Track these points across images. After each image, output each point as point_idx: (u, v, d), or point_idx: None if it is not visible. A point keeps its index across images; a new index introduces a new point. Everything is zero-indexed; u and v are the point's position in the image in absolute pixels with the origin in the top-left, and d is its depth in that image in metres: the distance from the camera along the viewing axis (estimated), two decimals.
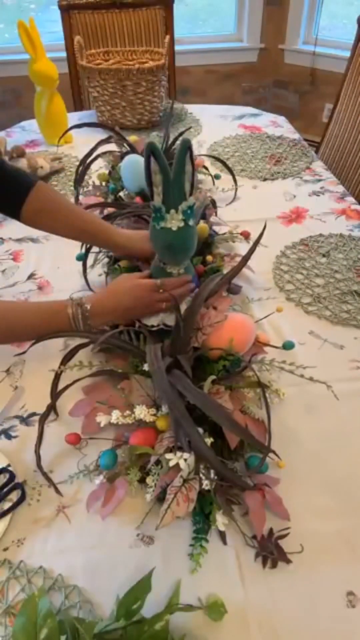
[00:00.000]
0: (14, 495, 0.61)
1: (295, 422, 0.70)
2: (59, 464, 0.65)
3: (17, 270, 1.01)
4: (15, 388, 0.75)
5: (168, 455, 0.57)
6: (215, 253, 0.94)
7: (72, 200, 1.12)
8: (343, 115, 1.57)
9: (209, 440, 0.59)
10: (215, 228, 1.02)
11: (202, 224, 0.93)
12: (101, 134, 1.22)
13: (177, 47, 1.99)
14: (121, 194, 1.09)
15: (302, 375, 0.68)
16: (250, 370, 0.66)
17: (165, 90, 1.61)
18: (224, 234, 1.02)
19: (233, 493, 0.59)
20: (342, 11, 2.88)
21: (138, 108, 1.53)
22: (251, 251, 0.75)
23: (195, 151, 1.36)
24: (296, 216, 1.16)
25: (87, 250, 0.91)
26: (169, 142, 1.15)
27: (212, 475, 0.57)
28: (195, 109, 1.73)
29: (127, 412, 0.62)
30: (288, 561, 0.55)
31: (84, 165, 1.09)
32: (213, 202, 1.09)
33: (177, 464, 0.56)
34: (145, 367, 0.63)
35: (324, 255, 1.03)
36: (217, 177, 1.25)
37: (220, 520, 0.56)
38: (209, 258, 0.90)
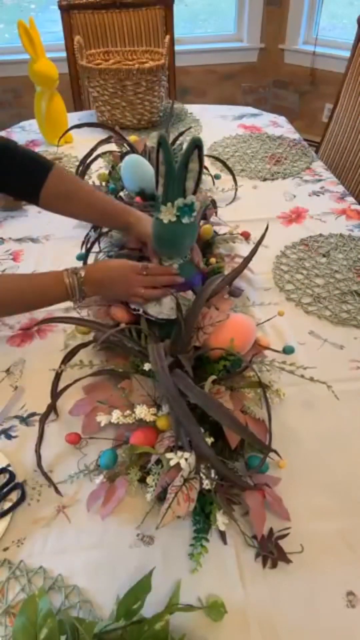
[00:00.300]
0: (14, 495, 0.61)
1: (296, 422, 0.70)
2: (59, 463, 0.65)
3: (17, 270, 1.01)
4: (15, 388, 0.75)
5: (169, 455, 0.57)
6: (216, 253, 0.94)
7: None
8: (343, 115, 1.57)
9: (209, 440, 0.59)
10: (215, 228, 1.01)
11: (206, 225, 0.93)
12: (101, 134, 1.22)
13: (177, 47, 1.99)
14: (121, 194, 1.09)
15: (302, 376, 0.68)
16: (251, 370, 0.66)
17: (165, 90, 1.61)
18: (224, 234, 1.02)
19: (233, 493, 0.59)
20: (342, 11, 2.88)
21: (138, 108, 1.53)
22: (253, 252, 0.75)
23: None
24: (296, 216, 1.16)
25: (87, 251, 0.91)
26: (169, 142, 1.15)
27: (212, 474, 0.57)
28: (195, 109, 1.73)
29: (128, 411, 0.62)
30: (288, 561, 0.55)
31: (84, 165, 1.09)
32: (213, 202, 1.09)
33: (178, 464, 0.56)
34: (146, 366, 0.63)
35: (324, 255, 1.03)
36: (217, 177, 1.25)
37: (221, 520, 0.56)
38: (212, 260, 0.89)
